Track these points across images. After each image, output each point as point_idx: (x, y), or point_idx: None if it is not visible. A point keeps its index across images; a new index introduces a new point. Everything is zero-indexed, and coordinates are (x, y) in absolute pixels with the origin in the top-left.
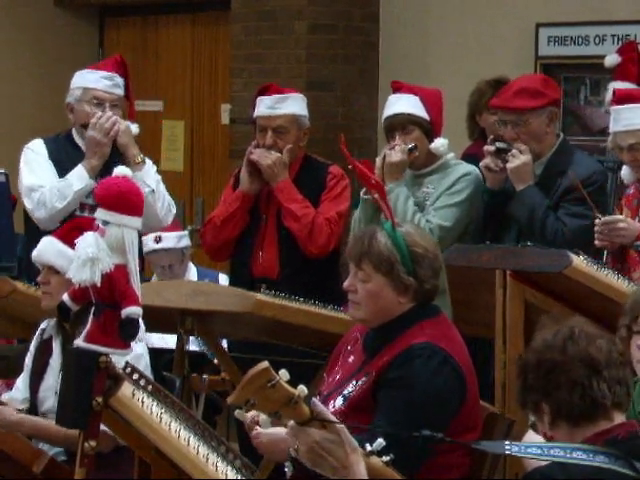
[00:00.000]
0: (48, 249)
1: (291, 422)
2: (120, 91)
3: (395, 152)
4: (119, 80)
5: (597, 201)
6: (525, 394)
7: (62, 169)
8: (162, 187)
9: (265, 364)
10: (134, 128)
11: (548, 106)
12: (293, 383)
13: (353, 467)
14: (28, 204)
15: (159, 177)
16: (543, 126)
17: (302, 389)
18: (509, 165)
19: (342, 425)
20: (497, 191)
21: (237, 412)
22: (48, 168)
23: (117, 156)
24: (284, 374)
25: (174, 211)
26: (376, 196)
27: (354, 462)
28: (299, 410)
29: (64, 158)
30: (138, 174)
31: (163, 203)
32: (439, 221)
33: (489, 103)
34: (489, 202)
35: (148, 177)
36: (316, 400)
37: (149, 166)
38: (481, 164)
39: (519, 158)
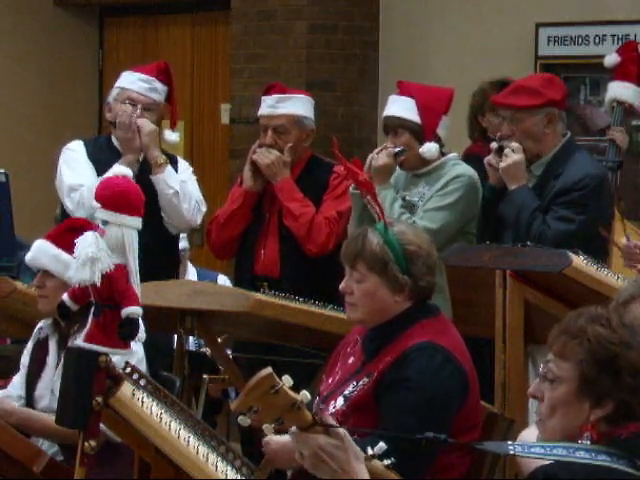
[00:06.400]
0: (42, 253)
1: (293, 428)
2: (157, 96)
3: (380, 156)
4: (158, 85)
5: (586, 205)
6: (599, 382)
7: (101, 170)
8: (191, 187)
9: (268, 370)
10: (174, 136)
11: (545, 106)
12: (294, 385)
13: (356, 473)
14: (69, 204)
15: (192, 177)
16: (540, 126)
17: (305, 394)
18: (501, 164)
19: (345, 431)
20: (498, 188)
21: (240, 418)
22: (88, 167)
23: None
24: (287, 380)
25: (204, 210)
26: (368, 197)
27: (357, 469)
28: (302, 415)
29: (102, 159)
30: (160, 176)
31: (190, 203)
32: (426, 223)
33: (491, 100)
34: (489, 199)
35: (170, 179)
36: (320, 406)
37: (177, 168)
38: (485, 160)
39: (510, 157)
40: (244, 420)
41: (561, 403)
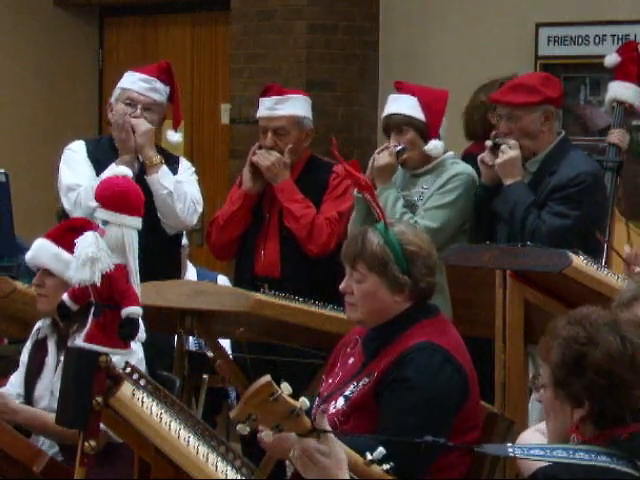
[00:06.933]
0: (43, 252)
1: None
2: (157, 96)
3: (382, 155)
4: (159, 85)
5: (581, 202)
6: (569, 381)
7: (101, 170)
8: (187, 187)
9: (267, 378)
10: (177, 137)
11: (542, 104)
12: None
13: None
14: (66, 204)
15: (192, 178)
16: (537, 124)
17: (304, 401)
18: (497, 160)
19: (334, 438)
20: (491, 187)
21: (239, 427)
22: (87, 167)
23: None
24: (286, 387)
25: (200, 210)
26: (367, 196)
27: (339, 476)
28: (300, 422)
29: (103, 159)
30: (154, 176)
31: (185, 203)
32: (427, 222)
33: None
34: (482, 197)
35: (164, 179)
36: (321, 406)
37: (178, 168)
38: (478, 158)
39: (507, 153)
40: (243, 428)
41: (549, 407)
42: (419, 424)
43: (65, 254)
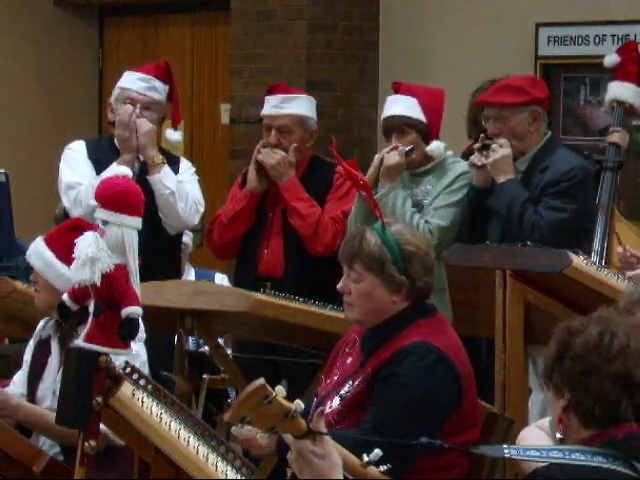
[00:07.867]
0: (34, 253)
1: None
2: (157, 95)
3: (392, 155)
4: (158, 84)
5: (575, 195)
6: (554, 369)
7: (102, 170)
8: (188, 187)
9: (261, 381)
10: (177, 135)
11: (530, 104)
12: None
13: None
14: (66, 202)
15: (193, 178)
16: (525, 124)
17: (298, 403)
18: (489, 159)
19: (330, 440)
20: (484, 189)
21: (234, 429)
22: (87, 166)
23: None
24: (280, 390)
25: (202, 210)
26: (365, 196)
27: (332, 477)
28: (296, 424)
29: (103, 159)
30: (157, 176)
31: (187, 203)
32: (438, 221)
33: (477, 99)
34: (474, 199)
35: (167, 179)
36: (318, 415)
37: (179, 168)
38: (468, 161)
39: (498, 151)
40: (238, 430)
41: (549, 403)
42: (407, 419)
43: (56, 262)
